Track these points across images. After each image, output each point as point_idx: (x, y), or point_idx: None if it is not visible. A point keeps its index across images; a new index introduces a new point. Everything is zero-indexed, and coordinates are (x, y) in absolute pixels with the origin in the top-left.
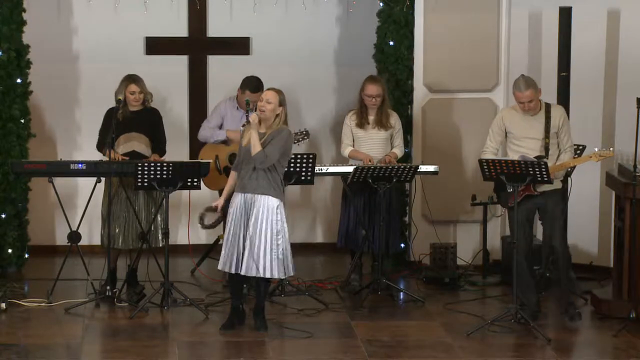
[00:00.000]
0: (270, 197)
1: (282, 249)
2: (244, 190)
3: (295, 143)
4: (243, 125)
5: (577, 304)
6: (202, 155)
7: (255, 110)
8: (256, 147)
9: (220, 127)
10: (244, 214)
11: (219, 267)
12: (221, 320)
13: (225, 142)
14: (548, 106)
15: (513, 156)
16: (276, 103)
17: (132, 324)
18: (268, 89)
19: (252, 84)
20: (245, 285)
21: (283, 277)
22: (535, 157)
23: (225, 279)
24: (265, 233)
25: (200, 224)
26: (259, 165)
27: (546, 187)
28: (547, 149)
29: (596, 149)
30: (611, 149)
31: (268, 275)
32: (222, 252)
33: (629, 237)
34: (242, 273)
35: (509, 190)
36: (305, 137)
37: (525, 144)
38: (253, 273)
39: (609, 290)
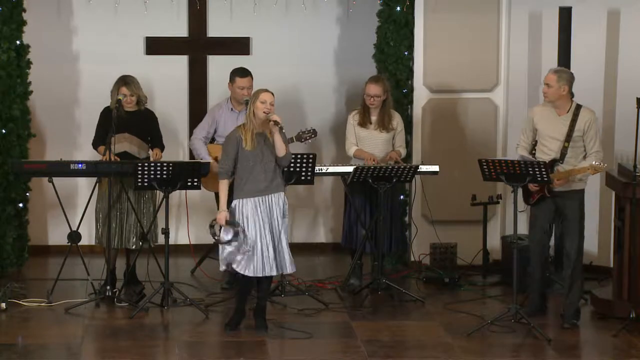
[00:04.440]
0: (283, 193)
1: None
2: (266, 192)
3: (302, 142)
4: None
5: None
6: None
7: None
8: (283, 148)
9: (215, 132)
10: (267, 216)
11: (254, 273)
12: (221, 320)
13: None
14: (578, 108)
15: (539, 154)
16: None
17: (132, 324)
18: (266, 91)
19: (240, 70)
20: None
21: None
22: (550, 161)
23: (225, 280)
24: (286, 228)
25: (216, 240)
26: (287, 165)
27: (563, 188)
28: (563, 154)
29: (594, 162)
30: (606, 164)
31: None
32: (248, 259)
33: (629, 237)
34: (283, 272)
35: (529, 189)
36: (313, 136)
37: (547, 144)
38: (289, 270)
39: (609, 290)
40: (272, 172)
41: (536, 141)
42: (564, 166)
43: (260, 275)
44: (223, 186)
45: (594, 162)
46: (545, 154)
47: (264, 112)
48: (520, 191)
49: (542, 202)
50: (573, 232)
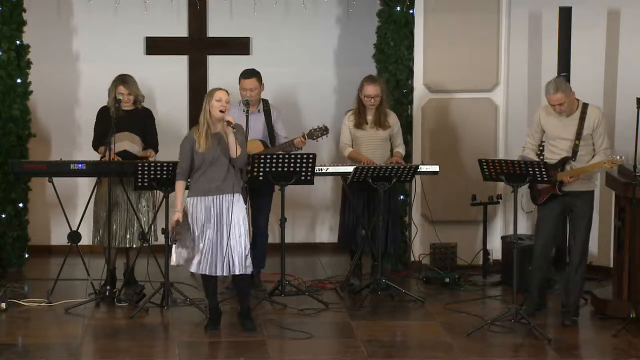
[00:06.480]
0: (240, 195)
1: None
2: (218, 192)
3: (314, 140)
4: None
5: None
6: None
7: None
8: (238, 149)
9: None
10: (218, 215)
11: (201, 271)
12: (222, 320)
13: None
14: (585, 107)
15: (548, 155)
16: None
17: (132, 324)
18: (221, 89)
19: (245, 72)
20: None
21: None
22: (562, 159)
23: (227, 281)
24: (242, 230)
25: (173, 242)
26: (242, 166)
27: (573, 187)
28: (575, 151)
29: (610, 157)
30: (622, 157)
31: (251, 271)
32: (201, 256)
33: (629, 237)
34: (237, 272)
35: (538, 188)
36: (325, 133)
37: (557, 144)
38: (244, 270)
39: (609, 290)
40: (225, 173)
41: (543, 143)
42: (576, 164)
43: (208, 273)
44: (178, 187)
45: (610, 157)
46: (555, 154)
47: (220, 111)
48: (527, 192)
49: (550, 203)
50: (579, 229)
